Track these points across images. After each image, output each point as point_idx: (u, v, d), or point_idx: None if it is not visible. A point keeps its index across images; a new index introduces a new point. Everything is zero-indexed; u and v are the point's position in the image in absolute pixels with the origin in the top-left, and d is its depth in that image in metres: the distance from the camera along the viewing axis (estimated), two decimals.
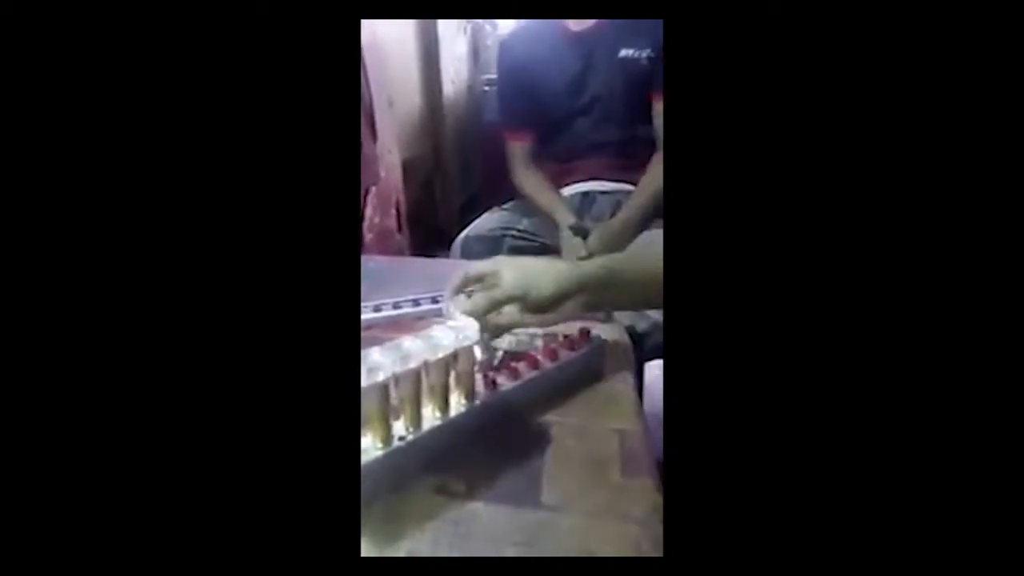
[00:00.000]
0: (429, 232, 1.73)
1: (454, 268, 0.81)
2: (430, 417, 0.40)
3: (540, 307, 0.46)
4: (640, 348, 0.76)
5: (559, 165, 1.07)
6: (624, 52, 0.97)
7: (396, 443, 0.38)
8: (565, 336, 0.50)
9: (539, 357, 0.47)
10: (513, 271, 0.46)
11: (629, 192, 1.02)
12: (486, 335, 0.45)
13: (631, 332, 0.72)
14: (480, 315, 0.44)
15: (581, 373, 0.49)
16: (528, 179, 1.07)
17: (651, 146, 1.03)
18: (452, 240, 1.08)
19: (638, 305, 0.63)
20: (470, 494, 0.38)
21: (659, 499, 0.38)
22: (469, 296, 0.48)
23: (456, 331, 0.40)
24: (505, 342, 0.51)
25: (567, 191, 1.07)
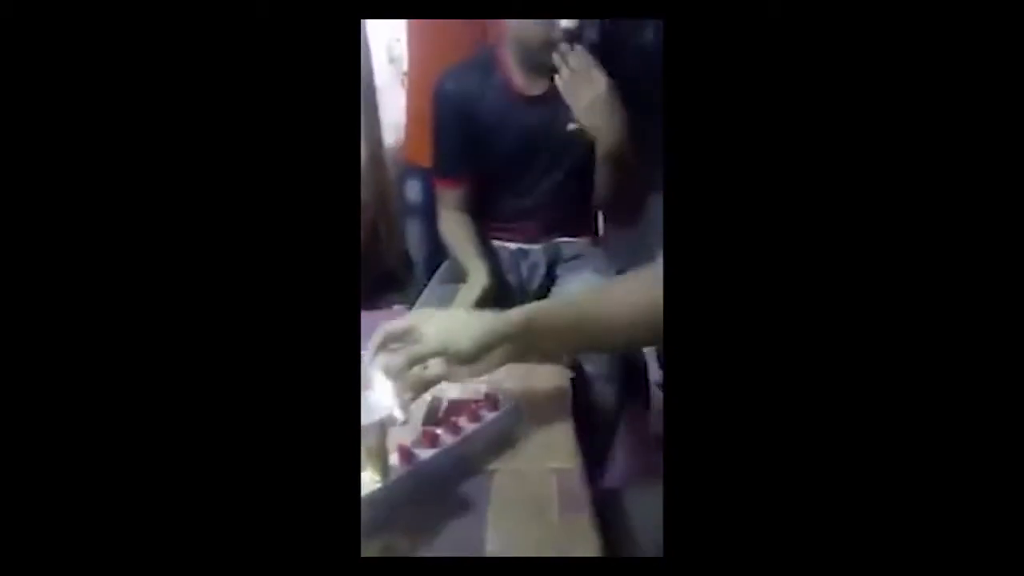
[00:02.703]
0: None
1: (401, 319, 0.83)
2: (369, 482, 0.41)
3: (464, 360, 0.46)
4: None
5: (492, 221, 1.02)
6: (573, 125, 0.90)
7: None
8: (486, 395, 0.50)
9: (460, 421, 0.47)
10: (433, 325, 0.46)
11: (563, 243, 0.99)
12: (409, 394, 0.44)
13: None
14: (399, 373, 0.43)
15: (495, 440, 0.49)
16: (453, 223, 0.99)
17: (590, 214, 0.99)
18: (403, 282, 1.08)
19: (570, 351, 0.62)
20: (414, 550, 0.39)
21: (595, 534, 0.41)
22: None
23: (387, 395, 0.41)
24: (454, 391, 0.53)
25: (498, 244, 1.03)
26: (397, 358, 0.44)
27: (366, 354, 0.47)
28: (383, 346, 0.47)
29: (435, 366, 0.46)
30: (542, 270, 1.00)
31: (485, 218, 1.02)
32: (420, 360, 0.45)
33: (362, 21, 1.58)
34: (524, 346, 0.48)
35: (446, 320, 0.48)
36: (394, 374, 0.43)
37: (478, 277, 0.88)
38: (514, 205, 1.00)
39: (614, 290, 0.53)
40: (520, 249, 1.03)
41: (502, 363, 0.48)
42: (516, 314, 0.48)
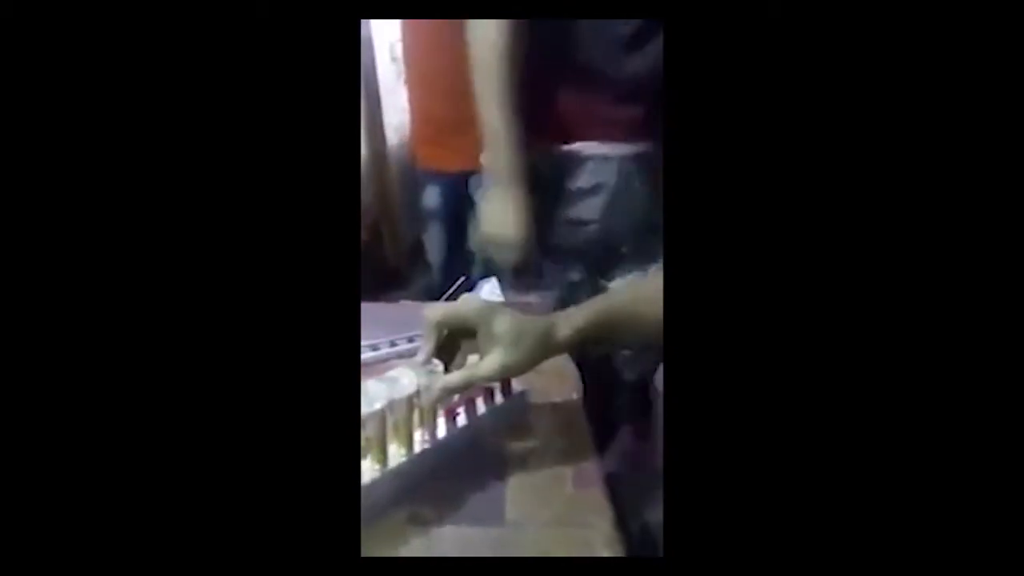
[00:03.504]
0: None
1: (408, 312, 0.84)
2: (396, 454, 0.43)
3: (513, 375, 0.45)
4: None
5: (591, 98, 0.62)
6: None
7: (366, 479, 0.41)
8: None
9: (477, 402, 0.49)
10: (505, 348, 0.43)
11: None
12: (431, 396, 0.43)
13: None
14: (456, 392, 0.43)
15: (509, 420, 0.51)
16: (503, 77, 0.60)
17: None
18: (407, 280, 1.10)
19: (608, 350, 0.60)
20: (440, 520, 0.42)
21: (607, 505, 0.43)
22: (446, 345, 0.45)
23: (417, 370, 0.44)
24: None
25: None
26: (455, 379, 0.43)
27: (424, 344, 0.45)
28: (440, 333, 0.45)
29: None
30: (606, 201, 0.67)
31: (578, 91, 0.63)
32: (478, 383, 0.44)
33: (365, 21, 1.60)
34: (578, 350, 0.48)
35: (519, 339, 0.43)
36: (444, 393, 0.43)
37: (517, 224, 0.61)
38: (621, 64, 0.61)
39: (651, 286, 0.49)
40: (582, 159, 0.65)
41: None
42: (567, 332, 0.45)
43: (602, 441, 0.49)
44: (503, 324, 0.43)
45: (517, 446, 0.49)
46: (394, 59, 1.75)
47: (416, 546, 0.40)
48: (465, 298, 0.46)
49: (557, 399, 0.56)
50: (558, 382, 0.59)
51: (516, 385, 0.53)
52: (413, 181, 1.54)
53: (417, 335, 0.67)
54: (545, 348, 0.44)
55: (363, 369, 0.62)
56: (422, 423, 0.45)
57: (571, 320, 0.46)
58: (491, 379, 0.44)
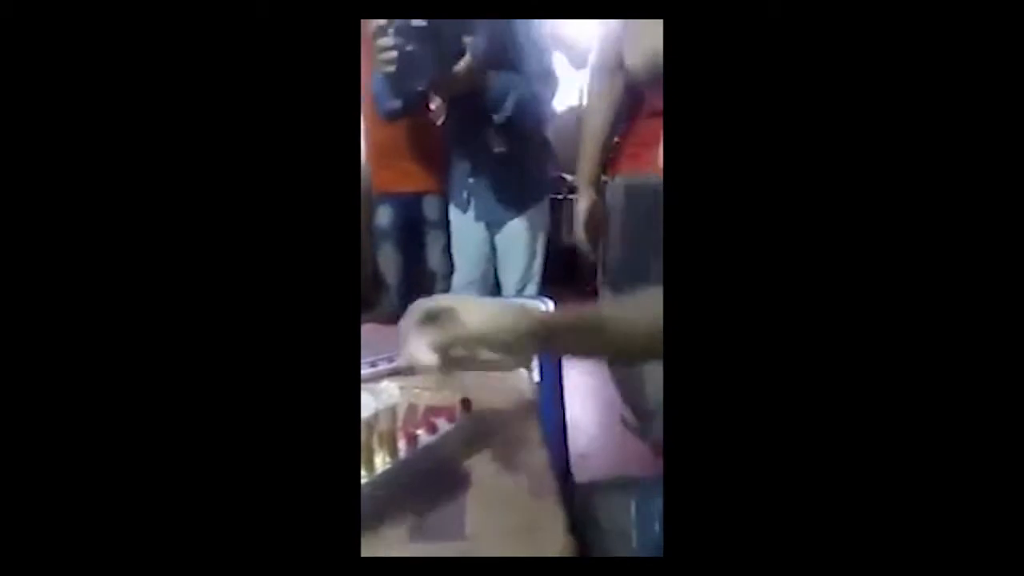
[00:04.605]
0: None
1: (374, 334, 0.86)
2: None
3: (499, 350, 0.47)
4: None
5: None
6: None
7: None
8: (461, 400, 0.55)
9: (437, 422, 0.51)
10: (474, 313, 0.47)
11: None
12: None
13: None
14: (443, 350, 0.45)
15: (468, 438, 0.53)
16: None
17: None
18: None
19: (592, 353, 0.63)
20: (402, 540, 0.44)
21: (561, 512, 0.46)
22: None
23: (375, 394, 0.46)
24: (426, 397, 0.58)
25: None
26: (444, 334, 0.45)
27: (403, 322, 0.48)
28: (420, 322, 0.47)
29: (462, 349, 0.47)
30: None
31: None
32: (461, 342, 0.47)
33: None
34: (549, 343, 0.50)
35: (487, 309, 0.48)
36: (436, 348, 0.45)
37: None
38: None
39: (642, 299, 0.51)
40: None
41: (529, 355, 0.50)
42: (572, 315, 0.49)
43: None
44: (474, 311, 0.47)
45: (475, 462, 0.52)
46: None
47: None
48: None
49: (509, 411, 0.59)
50: (514, 398, 0.62)
51: (475, 404, 0.55)
52: (368, 201, 1.55)
53: (380, 358, 0.69)
54: (521, 326, 0.46)
55: None
56: (381, 446, 0.47)
57: (570, 313, 0.49)
58: (475, 339, 0.46)
